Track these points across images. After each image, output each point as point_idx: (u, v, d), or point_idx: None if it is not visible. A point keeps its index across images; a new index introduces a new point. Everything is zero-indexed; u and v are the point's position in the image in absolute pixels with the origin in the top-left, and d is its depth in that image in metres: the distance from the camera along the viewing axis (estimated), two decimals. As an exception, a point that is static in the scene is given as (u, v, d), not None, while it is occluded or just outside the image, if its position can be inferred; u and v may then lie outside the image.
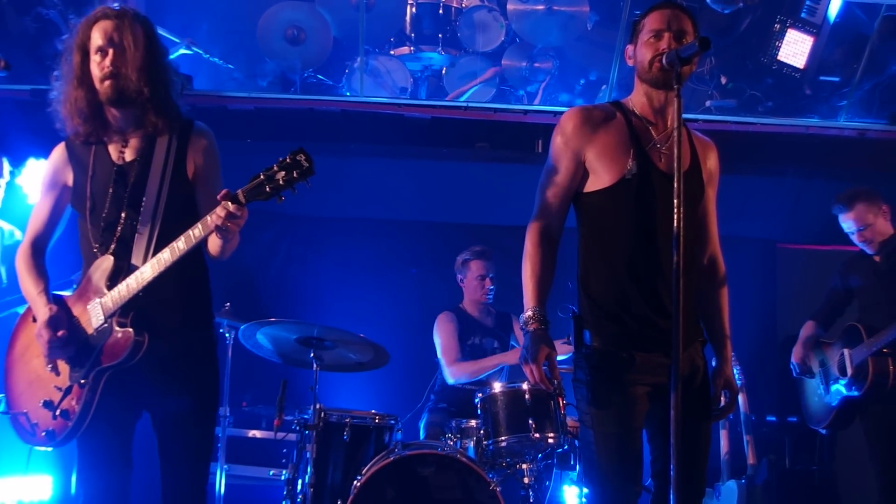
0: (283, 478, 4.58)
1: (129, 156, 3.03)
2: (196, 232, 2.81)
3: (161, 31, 6.15)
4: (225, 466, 5.07)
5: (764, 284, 6.82)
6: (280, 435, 4.63)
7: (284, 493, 4.48)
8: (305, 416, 4.52)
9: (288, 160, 2.69)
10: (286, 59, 6.43)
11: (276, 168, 2.70)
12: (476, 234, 6.56)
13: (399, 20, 6.74)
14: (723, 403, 3.05)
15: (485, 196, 6.59)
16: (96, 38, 2.96)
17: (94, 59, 2.97)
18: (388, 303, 6.29)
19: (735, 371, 4.95)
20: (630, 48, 3.04)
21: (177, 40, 6.21)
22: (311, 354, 4.53)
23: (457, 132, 6.36)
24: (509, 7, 6.56)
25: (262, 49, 6.46)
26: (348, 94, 6.46)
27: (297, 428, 4.56)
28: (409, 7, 6.75)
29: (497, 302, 5.66)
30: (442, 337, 5.49)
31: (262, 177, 2.71)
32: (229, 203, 2.72)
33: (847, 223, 4.87)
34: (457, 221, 6.78)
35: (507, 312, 5.69)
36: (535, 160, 6.31)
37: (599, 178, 2.95)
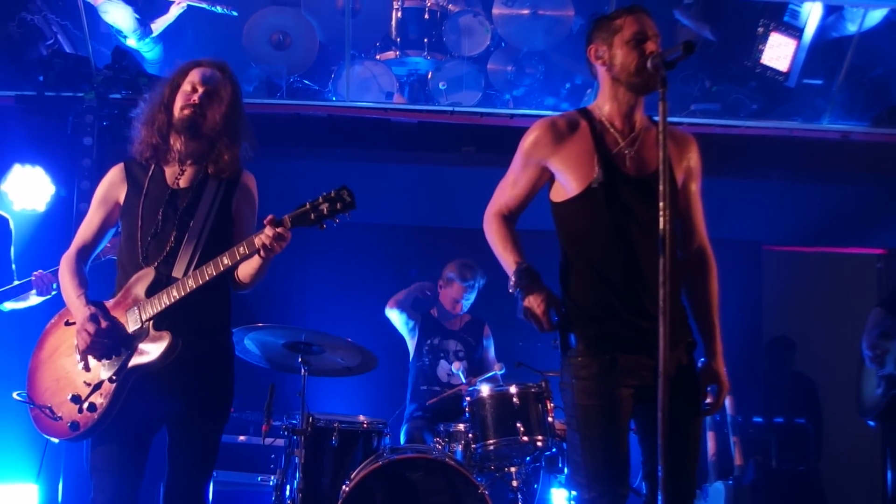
0: (271, 483, 4.58)
1: (183, 183, 3.23)
2: (241, 249, 3.04)
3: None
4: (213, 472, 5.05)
5: (749, 286, 6.85)
6: (268, 440, 4.61)
7: (273, 498, 4.47)
8: (294, 422, 4.52)
9: (332, 194, 2.97)
10: (272, 64, 6.43)
11: (320, 200, 2.97)
12: (462, 239, 6.55)
13: (385, 25, 6.75)
14: (709, 400, 3.03)
15: (471, 200, 6.55)
16: (193, 75, 3.19)
17: (184, 89, 3.18)
18: (375, 307, 6.28)
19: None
20: (601, 48, 3.02)
21: None
22: (299, 359, 4.52)
23: (443, 136, 6.36)
24: (495, 11, 6.58)
25: (248, 54, 6.45)
26: (334, 98, 6.46)
27: (286, 433, 4.56)
28: (394, 12, 6.76)
29: (478, 306, 5.71)
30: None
31: (307, 206, 2.98)
32: (279, 225, 2.97)
33: None
34: (443, 225, 6.79)
35: (480, 320, 5.76)
36: (521, 164, 6.31)
37: (568, 188, 2.97)
